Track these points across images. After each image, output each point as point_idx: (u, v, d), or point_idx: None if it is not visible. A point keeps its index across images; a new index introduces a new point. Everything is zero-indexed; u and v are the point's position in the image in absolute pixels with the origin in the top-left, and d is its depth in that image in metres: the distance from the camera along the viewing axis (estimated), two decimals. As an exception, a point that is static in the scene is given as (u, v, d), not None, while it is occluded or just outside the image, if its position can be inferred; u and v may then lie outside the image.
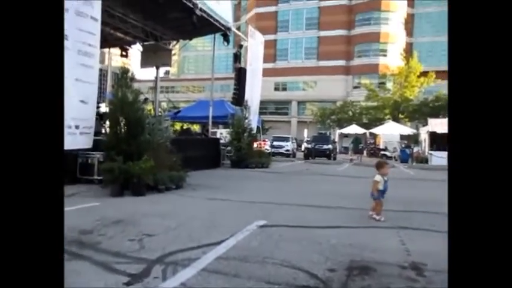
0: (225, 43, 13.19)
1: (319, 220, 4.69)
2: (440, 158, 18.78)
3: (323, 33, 48.37)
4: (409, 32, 49.55)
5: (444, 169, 16.30)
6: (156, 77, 15.10)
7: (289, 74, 49.42)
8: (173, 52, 15.66)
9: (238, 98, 13.87)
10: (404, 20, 48.44)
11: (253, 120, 14.40)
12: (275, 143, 24.88)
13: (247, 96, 13.98)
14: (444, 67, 44.64)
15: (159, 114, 13.25)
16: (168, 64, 16.05)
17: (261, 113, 36.50)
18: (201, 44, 49.71)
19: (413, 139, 27.05)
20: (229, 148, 14.09)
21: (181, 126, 19.45)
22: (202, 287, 2.48)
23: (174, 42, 14.87)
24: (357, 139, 26.40)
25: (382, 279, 2.66)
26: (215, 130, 16.89)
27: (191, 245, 3.38)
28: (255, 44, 15.06)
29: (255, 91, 15.07)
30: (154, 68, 14.75)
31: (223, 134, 15.43)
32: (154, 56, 14.18)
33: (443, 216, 5.29)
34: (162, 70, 18.73)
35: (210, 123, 14.28)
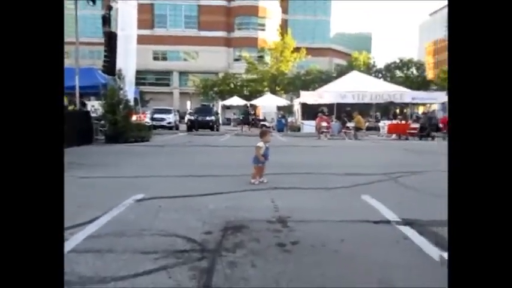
0: (90, 2, 11.63)
1: (200, 189, 4.79)
2: (310, 127, 21.21)
3: (203, 2, 47.31)
4: (285, 9, 52.77)
5: (313, 136, 18.55)
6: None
7: (169, 42, 47.14)
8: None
9: (110, 66, 12.54)
10: (280, -4, 51.20)
11: (129, 91, 13.37)
12: (156, 116, 23.89)
13: (120, 64, 12.77)
14: (314, 44, 49.27)
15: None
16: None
17: (139, 84, 34.16)
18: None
19: (288, 110, 29.69)
20: (103, 122, 12.87)
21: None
22: (69, 269, 2.29)
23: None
24: (245, 111, 27.26)
25: (253, 234, 2.94)
26: (86, 102, 15.12)
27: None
28: (126, 7, 13.72)
29: (130, 59, 13.90)
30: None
31: (95, 106, 13.92)
32: None
33: (309, 175, 6.09)
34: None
35: (78, 94, 12.66)
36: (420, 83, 39.41)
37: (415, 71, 44.35)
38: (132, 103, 13.89)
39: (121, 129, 12.40)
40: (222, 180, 5.54)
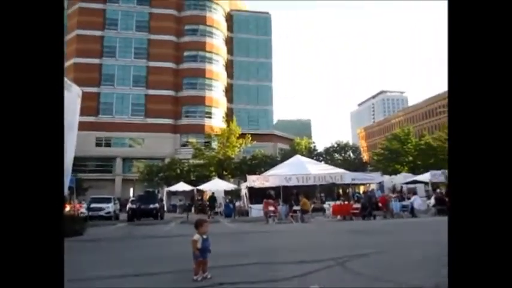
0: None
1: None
2: (257, 210, 21.03)
3: (151, 92, 48.97)
4: (230, 99, 56.45)
5: (261, 220, 18.28)
6: None
7: (114, 129, 46.68)
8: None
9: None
10: (225, 88, 55.09)
11: (64, 179, 12.50)
12: (93, 205, 22.18)
13: (58, 152, 12.15)
14: (259, 130, 51.98)
15: None
16: None
17: (79, 171, 32.42)
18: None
19: (236, 194, 29.53)
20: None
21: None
22: None
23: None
24: (211, 197, 26.10)
25: None
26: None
27: None
28: (70, 97, 13.61)
29: (69, 147, 13.29)
30: None
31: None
32: None
33: (258, 265, 5.78)
34: None
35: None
36: (357, 165, 42.45)
37: (351, 154, 48.02)
38: (65, 193, 12.86)
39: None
40: (162, 279, 5.01)
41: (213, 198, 25.58)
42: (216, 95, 51.91)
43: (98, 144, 46.63)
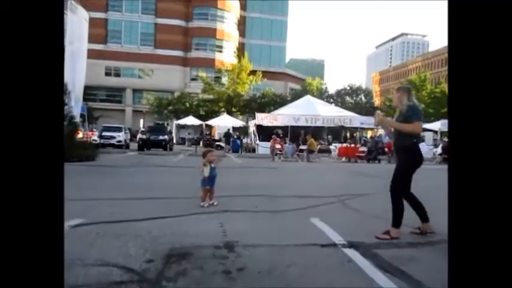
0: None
1: (145, 213, 4.54)
2: (264, 148, 21.45)
3: (160, 21, 47.04)
4: (242, 33, 54.07)
5: (267, 157, 18.73)
6: None
7: (123, 58, 45.89)
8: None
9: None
10: (238, 21, 52.48)
11: (75, 107, 12.67)
12: (105, 133, 22.75)
13: (66, 79, 12.12)
14: (270, 68, 50.66)
15: None
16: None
17: (89, 100, 32.62)
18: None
19: (244, 131, 29.88)
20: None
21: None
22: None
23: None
24: (227, 133, 26.10)
25: (198, 262, 2.80)
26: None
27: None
28: (77, 20, 13.19)
29: (78, 74, 13.26)
30: None
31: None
32: None
33: (261, 197, 6.06)
34: None
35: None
36: (368, 109, 41.94)
37: (363, 98, 47.21)
38: (77, 120, 13.14)
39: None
40: (171, 203, 5.32)
41: (228, 135, 25.82)
42: (228, 27, 49.69)
43: (107, 74, 46.30)
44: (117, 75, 47.32)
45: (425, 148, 19.63)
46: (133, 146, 23.98)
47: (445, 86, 44.55)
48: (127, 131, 26.60)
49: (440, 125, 24.77)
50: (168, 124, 34.33)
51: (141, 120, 36.64)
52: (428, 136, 26.73)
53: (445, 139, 20.14)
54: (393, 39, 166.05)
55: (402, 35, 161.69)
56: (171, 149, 23.10)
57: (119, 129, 24.28)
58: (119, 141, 22.91)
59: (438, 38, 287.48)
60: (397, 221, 3.68)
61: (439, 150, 19.10)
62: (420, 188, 4.03)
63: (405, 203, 3.73)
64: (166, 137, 23.03)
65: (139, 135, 23.59)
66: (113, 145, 22.07)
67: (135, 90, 47.85)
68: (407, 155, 3.69)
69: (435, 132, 26.27)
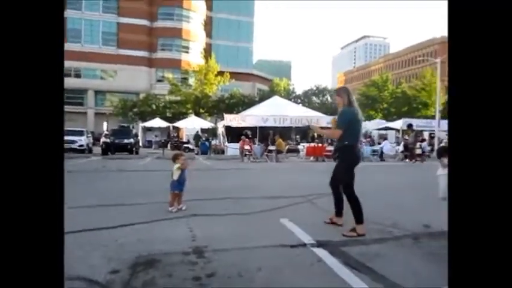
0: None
1: (110, 220, 4.38)
2: (233, 149, 21.38)
3: (123, 20, 45.57)
4: (209, 33, 53.63)
5: (237, 158, 18.69)
6: None
7: (83, 59, 43.96)
8: None
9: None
10: (204, 21, 52.00)
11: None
12: (65, 138, 21.64)
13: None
14: (237, 69, 50.61)
15: None
16: None
17: (47, 102, 30.88)
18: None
19: (212, 132, 29.64)
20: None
21: None
22: None
23: None
24: (197, 135, 26.01)
25: (166, 269, 2.74)
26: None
27: None
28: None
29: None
30: None
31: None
32: None
33: (231, 200, 6.03)
34: None
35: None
36: (335, 109, 43.03)
37: (329, 98, 48.38)
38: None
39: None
40: (137, 209, 5.16)
41: (198, 136, 25.65)
42: (194, 28, 49.09)
43: (67, 75, 44.14)
44: (78, 76, 45.23)
45: (388, 146, 20.46)
46: (97, 150, 23.05)
47: (405, 86, 46.70)
48: (89, 135, 25.50)
49: (402, 123, 25.89)
50: (133, 127, 33.30)
51: (105, 123, 35.30)
52: (391, 134, 27.90)
53: (406, 137, 21.07)
54: (356, 41, 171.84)
55: (364, 37, 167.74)
56: (137, 153, 22.44)
57: (80, 133, 23.18)
58: (81, 146, 21.90)
59: (398, 40, 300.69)
60: (358, 218, 3.81)
61: (400, 147, 19.95)
62: (382, 184, 4.18)
63: (360, 198, 3.88)
64: (131, 140, 22.33)
65: (102, 139, 22.71)
66: (74, 150, 21.07)
67: (97, 92, 45.99)
68: (341, 156, 4.16)
69: (397, 130, 27.44)
